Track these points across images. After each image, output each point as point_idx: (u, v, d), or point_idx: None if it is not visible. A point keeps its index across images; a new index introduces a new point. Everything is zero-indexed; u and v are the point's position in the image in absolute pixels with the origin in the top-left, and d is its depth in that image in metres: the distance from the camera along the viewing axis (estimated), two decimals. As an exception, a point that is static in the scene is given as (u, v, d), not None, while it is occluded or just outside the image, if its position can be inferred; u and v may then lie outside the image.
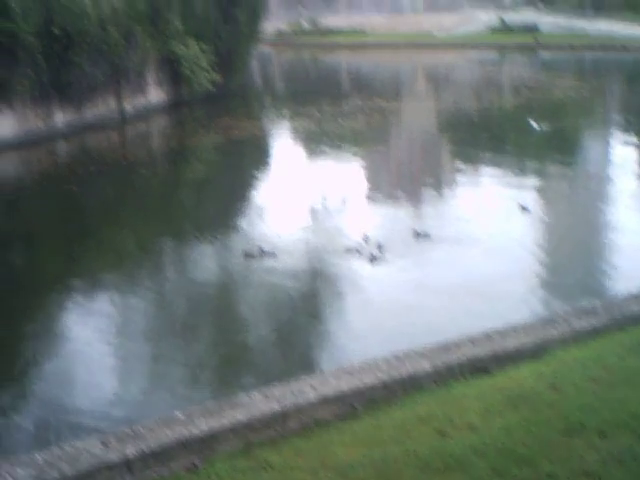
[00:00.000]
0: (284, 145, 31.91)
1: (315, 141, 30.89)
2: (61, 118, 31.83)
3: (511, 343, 9.83)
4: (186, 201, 23.86)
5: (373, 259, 16.26)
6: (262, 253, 16.73)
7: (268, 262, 16.45)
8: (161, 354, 12.81)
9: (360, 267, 16.01)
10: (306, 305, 14.71)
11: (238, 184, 24.66)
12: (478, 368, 9.33)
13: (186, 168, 28.22)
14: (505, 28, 68.53)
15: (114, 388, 11.66)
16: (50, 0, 29.80)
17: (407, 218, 19.72)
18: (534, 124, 30.02)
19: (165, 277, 16.71)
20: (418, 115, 39.15)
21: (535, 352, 9.76)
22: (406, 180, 25.43)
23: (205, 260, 17.33)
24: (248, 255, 16.72)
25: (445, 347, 9.65)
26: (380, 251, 16.52)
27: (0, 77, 28.15)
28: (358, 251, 16.61)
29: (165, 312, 14.82)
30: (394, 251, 16.68)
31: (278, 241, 17.84)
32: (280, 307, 14.62)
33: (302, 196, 21.97)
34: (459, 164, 26.89)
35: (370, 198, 22.54)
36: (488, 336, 10.04)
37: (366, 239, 17.28)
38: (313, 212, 20.81)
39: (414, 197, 22.43)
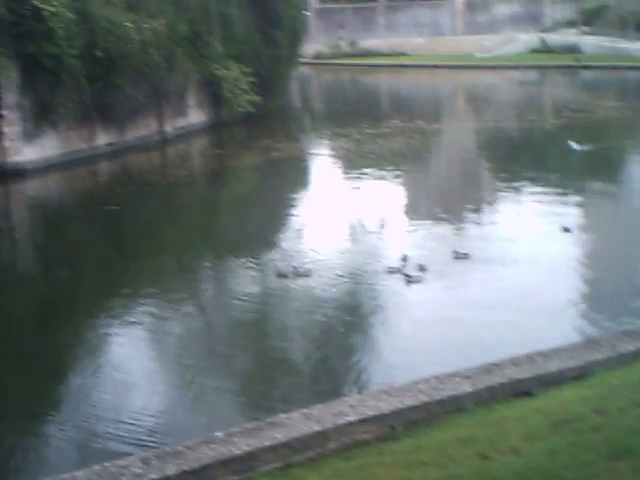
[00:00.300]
0: (323, 166, 31.96)
1: (354, 162, 30.91)
2: (103, 139, 32.24)
3: (554, 365, 9.68)
4: (225, 221, 23.98)
5: (411, 279, 16.16)
6: (295, 273, 16.72)
7: (302, 282, 16.43)
8: (197, 374, 12.81)
9: (398, 287, 15.93)
10: (342, 326, 14.63)
11: (277, 204, 24.73)
12: (520, 390, 9.20)
13: (226, 188, 28.40)
14: (546, 49, 68.19)
15: (149, 407, 11.68)
16: (93, 24, 30.27)
17: (447, 238, 19.59)
18: (575, 145, 29.73)
19: (202, 297, 16.79)
20: (458, 136, 39.02)
21: (579, 375, 9.60)
22: (446, 200, 25.29)
23: (240, 280, 17.34)
24: (281, 275, 16.73)
25: (487, 369, 9.53)
26: (420, 271, 16.42)
27: (44, 99, 28.61)
28: (397, 271, 16.50)
29: (200, 331, 14.87)
30: (433, 271, 16.57)
31: (315, 261, 17.84)
32: (315, 326, 14.59)
33: (341, 216, 21.97)
34: (500, 184, 26.69)
35: (410, 218, 22.46)
36: (530, 358, 9.90)
37: (405, 259, 17.20)
38: (352, 232, 20.78)
39: (454, 217, 22.28)
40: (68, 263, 19.41)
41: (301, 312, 15.43)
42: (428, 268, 16.57)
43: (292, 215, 23.83)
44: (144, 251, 20.41)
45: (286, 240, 20.50)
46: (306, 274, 16.66)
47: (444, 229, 20.92)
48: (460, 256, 17.42)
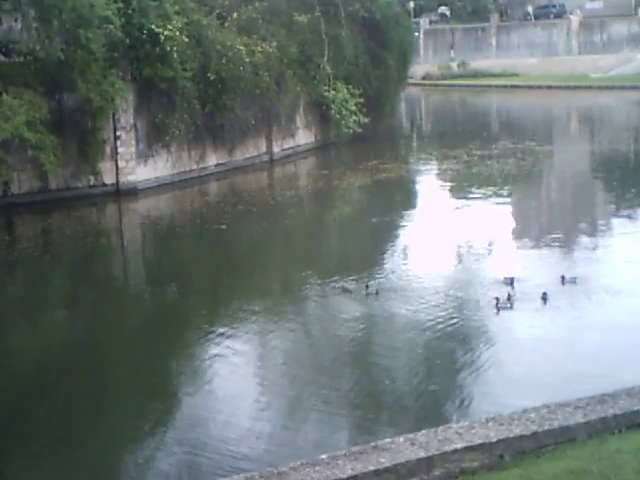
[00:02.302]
0: (431, 187, 31.67)
1: (462, 184, 30.52)
2: (213, 160, 32.87)
3: (672, 397, 9.20)
4: (330, 241, 24.05)
5: (506, 306, 15.81)
6: (376, 292, 16.87)
7: (386, 301, 16.47)
8: (299, 392, 12.79)
9: (496, 314, 15.69)
10: (438, 346, 14.40)
11: (383, 225, 24.55)
12: (635, 422, 8.78)
13: (332, 209, 28.47)
14: (665, 69, 66.26)
15: (253, 426, 11.70)
16: (207, 47, 30.97)
17: (555, 263, 19.07)
18: None
19: (301, 315, 16.84)
20: (571, 158, 38.05)
21: (699, 407, 9.09)
22: (557, 224, 24.66)
23: (335, 297, 17.32)
24: (369, 293, 16.88)
25: (600, 399, 9.14)
26: (511, 297, 16.01)
27: (158, 121, 29.40)
28: (496, 299, 16.05)
29: (299, 347, 14.91)
30: (533, 298, 16.18)
31: (416, 281, 17.86)
32: (409, 346, 14.43)
33: (447, 238, 21.66)
34: (613, 209, 25.86)
35: (518, 241, 21.98)
36: (647, 389, 9.45)
37: (510, 282, 16.86)
38: (457, 254, 20.51)
39: (564, 241, 21.69)
40: (177, 279, 19.79)
41: (398, 331, 15.30)
42: (531, 293, 16.24)
43: (397, 236, 23.64)
44: (250, 269, 20.60)
45: (390, 260, 20.38)
46: (387, 293, 16.82)
47: (553, 253, 20.36)
48: (567, 281, 16.97)
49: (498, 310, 15.70)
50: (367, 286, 17.22)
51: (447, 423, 8.86)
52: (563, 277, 17.05)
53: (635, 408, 8.99)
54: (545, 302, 15.94)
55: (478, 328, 15.15)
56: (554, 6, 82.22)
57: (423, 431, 8.39)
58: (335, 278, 18.28)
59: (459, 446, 7.98)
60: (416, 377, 13.32)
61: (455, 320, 15.49)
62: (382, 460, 7.72)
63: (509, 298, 15.92)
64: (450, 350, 14.27)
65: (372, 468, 7.62)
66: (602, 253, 20.20)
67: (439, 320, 15.48)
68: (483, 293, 16.69)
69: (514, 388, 12.39)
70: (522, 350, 13.99)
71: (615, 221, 23.90)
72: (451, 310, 16.02)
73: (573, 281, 16.96)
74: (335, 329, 15.63)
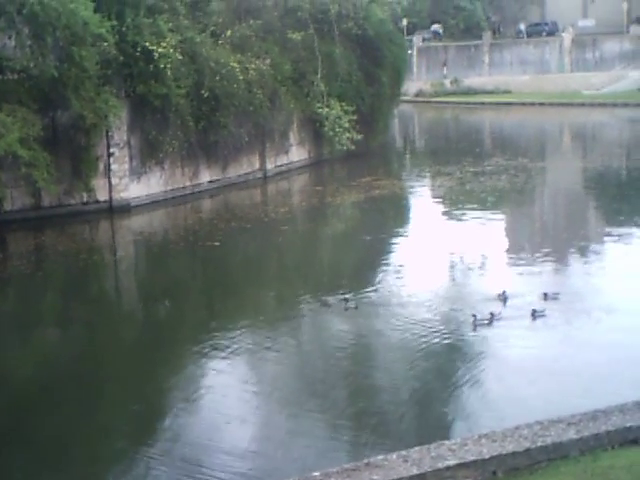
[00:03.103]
0: (424, 204, 31.73)
1: (456, 200, 30.56)
2: (206, 177, 32.89)
3: (665, 413, 9.18)
4: (322, 258, 24.05)
5: (483, 323, 15.80)
6: (355, 306, 16.99)
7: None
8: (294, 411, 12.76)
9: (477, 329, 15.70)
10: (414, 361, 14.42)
11: (376, 242, 24.55)
12: (628, 439, 8.76)
13: (325, 226, 28.47)
14: (657, 86, 66.54)
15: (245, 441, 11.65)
16: (201, 64, 31.06)
17: (542, 279, 19.09)
18: None
19: (293, 331, 16.83)
20: (563, 175, 38.18)
21: (692, 424, 9.08)
22: (548, 241, 24.69)
23: (314, 312, 17.51)
24: (348, 308, 17.01)
25: (593, 415, 9.12)
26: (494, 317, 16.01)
27: (151, 138, 29.42)
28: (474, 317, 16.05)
29: (291, 362, 14.87)
30: (512, 315, 16.23)
31: (398, 296, 18.06)
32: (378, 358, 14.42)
33: (440, 254, 21.68)
34: (605, 226, 25.92)
35: (509, 257, 21.99)
36: (639, 405, 9.43)
37: (503, 298, 16.96)
38: (448, 270, 20.55)
39: (555, 258, 21.71)
40: (170, 296, 19.76)
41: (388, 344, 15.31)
42: (508, 312, 16.28)
43: (389, 253, 23.63)
44: (243, 286, 20.60)
45: (377, 278, 20.39)
46: (355, 307, 17.00)
47: (539, 269, 20.35)
48: (549, 297, 16.97)
49: (475, 327, 15.67)
50: (346, 300, 17.33)
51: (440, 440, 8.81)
52: (546, 294, 17.09)
53: (628, 424, 8.98)
54: (534, 319, 15.93)
55: (450, 345, 15.13)
56: (546, 24, 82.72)
57: (416, 448, 8.37)
58: (320, 294, 18.26)
59: (452, 463, 7.96)
60: (368, 394, 13.34)
61: (428, 336, 15.48)
62: (375, 477, 7.70)
63: (492, 315, 15.89)
64: (413, 367, 14.32)
65: (364, 485, 7.58)
66: (590, 270, 20.30)
67: (412, 336, 15.54)
68: (465, 309, 16.70)
69: (484, 407, 12.41)
70: (493, 367, 14.01)
71: (606, 238, 23.94)
72: (428, 326, 16.04)
73: (556, 297, 17.00)
74: (307, 344, 15.78)
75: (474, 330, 15.58)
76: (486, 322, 15.74)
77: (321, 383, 13.93)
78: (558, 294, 17.13)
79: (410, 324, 16.17)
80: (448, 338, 15.41)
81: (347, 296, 17.58)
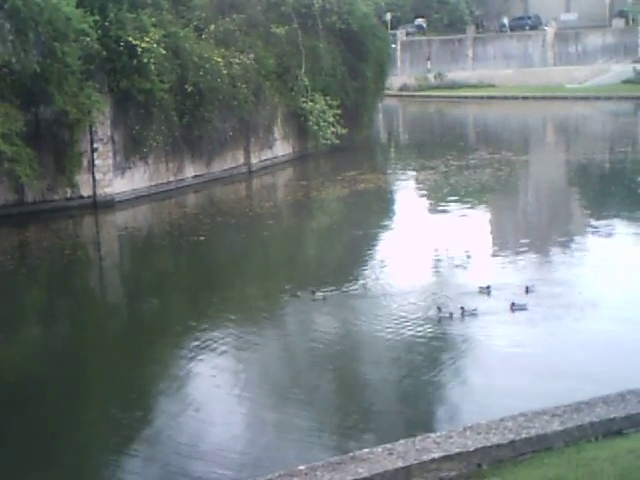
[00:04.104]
0: (409, 198, 31.79)
1: (440, 194, 30.64)
2: (191, 172, 32.82)
3: (648, 404, 9.26)
4: (307, 252, 24.08)
5: (445, 316, 15.90)
6: (323, 298, 17.28)
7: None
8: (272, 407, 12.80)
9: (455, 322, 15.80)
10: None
11: (361, 236, 24.59)
12: (612, 430, 8.83)
13: (310, 220, 28.49)
14: None
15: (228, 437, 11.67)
16: (184, 59, 30.96)
17: (524, 273, 19.16)
18: None
19: (279, 326, 16.87)
20: (547, 168, 38.34)
21: (674, 415, 9.16)
22: (532, 234, 24.80)
23: (283, 304, 17.73)
24: (316, 299, 17.27)
25: (577, 407, 9.18)
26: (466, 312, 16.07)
27: (135, 133, 29.33)
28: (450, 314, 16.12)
29: (274, 358, 14.90)
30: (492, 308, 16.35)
31: (374, 288, 18.15)
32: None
33: (424, 248, 21.75)
34: (588, 219, 26.04)
35: (493, 251, 22.08)
36: (622, 397, 9.50)
37: (487, 291, 17.10)
38: (430, 263, 20.62)
39: (537, 251, 21.81)
40: (155, 291, 19.74)
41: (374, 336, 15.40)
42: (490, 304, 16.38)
43: (374, 246, 23.69)
44: (228, 281, 20.61)
45: (357, 270, 20.47)
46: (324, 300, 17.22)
47: (525, 262, 20.44)
48: (529, 290, 17.05)
49: (439, 320, 15.76)
50: (313, 292, 17.56)
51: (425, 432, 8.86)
52: (527, 287, 17.19)
53: (611, 416, 9.05)
54: (513, 311, 16.01)
55: (411, 337, 15.19)
56: (529, 18, 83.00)
57: (401, 441, 8.41)
58: (297, 287, 18.32)
59: (437, 455, 8.00)
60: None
61: (388, 329, 15.58)
62: (360, 470, 7.72)
63: (462, 309, 15.94)
64: (368, 359, 14.52)
65: (350, 479, 7.62)
66: (573, 262, 20.43)
67: (373, 328, 15.70)
68: (436, 302, 16.75)
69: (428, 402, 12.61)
70: (449, 361, 14.12)
71: (590, 230, 24.08)
72: (393, 318, 16.15)
73: (534, 290, 17.10)
74: (305, 337, 15.81)
75: (439, 323, 15.68)
76: (448, 315, 15.80)
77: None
78: (534, 287, 17.20)
79: (377, 317, 16.31)
80: (409, 331, 15.44)
81: (314, 289, 17.72)
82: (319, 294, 17.43)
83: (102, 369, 14.99)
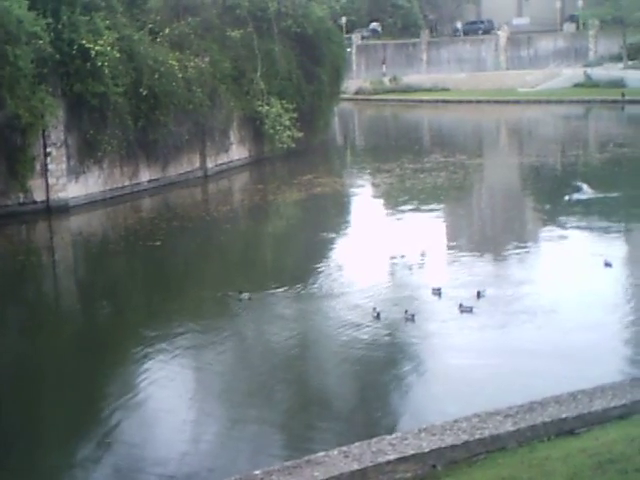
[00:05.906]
0: (365, 201, 31.92)
1: (396, 197, 30.82)
2: (146, 176, 32.62)
3: (598, 404, 9.45)
4: (264, 256, 24.08)
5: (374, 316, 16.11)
6: (248, 298, 17.63)
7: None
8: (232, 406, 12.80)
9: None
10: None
11: (317, 240, 24.63)
12: (564, 429, 8.99)
13: (266, 224, 28.48)
14: (590, 83, 67.70)
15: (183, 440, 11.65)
16: (139, 62, 30.76)
17: (476, 277, 19.32)
18: (586, 188, 28.93)
19: (235, 329, 16.89)
20: (501, 171, 38.77)
21: (623, 414, 9.36)
22: (486, 238, 25.11)
23: (212, 305, 18.04)
24: (241, 299, 17.68)
25: (529, 407, 9.33)
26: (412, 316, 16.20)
27: (89, 137, 29.06)
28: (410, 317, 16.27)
29: (232, 360, 14.91)
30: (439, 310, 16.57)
31: (313, 289, 18.31)
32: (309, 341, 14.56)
33: (380, 251, 21.84)
34: (541, 223, 26.36)
35: (446, 255, 22.22)
36: (574, 396, 9.68)
37: (438, 292, 17.38)
38: (383, 266, 20.74)
39: (490, 255, 22.03)
40: (110, 296, 19.59)
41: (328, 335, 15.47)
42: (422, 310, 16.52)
43: (328, 250, 23.72)
44: (184, 286, 20.52)
45: (323, 274, 20.54)
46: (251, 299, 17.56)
47: (477, 265, 20.64)
48: (480, 295, 17.17)
49: (375, 319, 16.00)
50: (240, 292, 17.88)
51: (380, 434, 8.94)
52: (479, 292, 17.30)
53: (563, 415, 9.20)
54: (461, 312, 16.21)
55: (338, 339, 15.34)
56: (482, 22, 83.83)
57: (357, 443, 8.48)
58: (239, 288, 18.37)
59: (392, 457, 8.08)
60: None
61: (316, 330, 15.89)
62: (316, 474, 7.78)
63: (406, 312, 16.14)
64: (279, 359, 14.79)
65: (306, 482, 7.65)
66: (525, 267, 20.58)
67: (298, 329, 16.00)
68: (373, 304, 16.85)
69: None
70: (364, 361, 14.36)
71: (543, 234, 24.39)
72: (320, 319, 16.41)
73: (484, 295, 17.26)
74: (264, 340, 15.93)
75: (377, 321, 15.90)
76: (375, 315, 16.03)
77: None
78: (485, 291, 17.35)
79: (312, 317, 16.60)
80: (341, 333, 15.59)
81: (241, 290, 18.01)
82: (244, 295, 17.79)
83: (54, 375, 14.83)
